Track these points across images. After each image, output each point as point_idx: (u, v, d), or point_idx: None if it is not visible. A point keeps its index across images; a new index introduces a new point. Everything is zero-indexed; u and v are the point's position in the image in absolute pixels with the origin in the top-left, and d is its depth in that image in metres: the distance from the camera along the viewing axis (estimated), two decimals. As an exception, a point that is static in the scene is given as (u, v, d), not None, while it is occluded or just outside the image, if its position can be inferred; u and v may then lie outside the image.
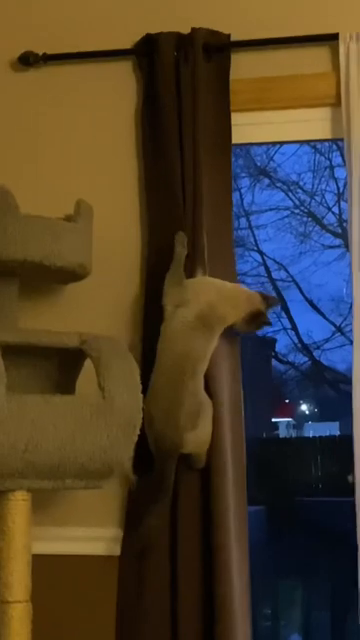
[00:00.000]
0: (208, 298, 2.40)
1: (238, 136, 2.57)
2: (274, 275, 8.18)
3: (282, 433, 9.50)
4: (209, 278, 2.47)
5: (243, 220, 7.79)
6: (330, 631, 4.78)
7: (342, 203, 7.85)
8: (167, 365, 2.36)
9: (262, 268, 8.11)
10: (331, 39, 2.52)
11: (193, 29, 2.55)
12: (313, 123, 2.62)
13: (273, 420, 9.36)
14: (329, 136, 2.63)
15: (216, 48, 2.55)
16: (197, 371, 2.37)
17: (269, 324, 2.48)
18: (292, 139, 2.83)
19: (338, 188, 7.76)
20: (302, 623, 4.90)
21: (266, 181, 7.80)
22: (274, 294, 8.13)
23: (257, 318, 2.43)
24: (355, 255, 2.49)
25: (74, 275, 2.42)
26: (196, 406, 2.37)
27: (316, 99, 2.58)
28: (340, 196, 7.78)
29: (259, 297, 2.45)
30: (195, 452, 2.38)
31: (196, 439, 2.37)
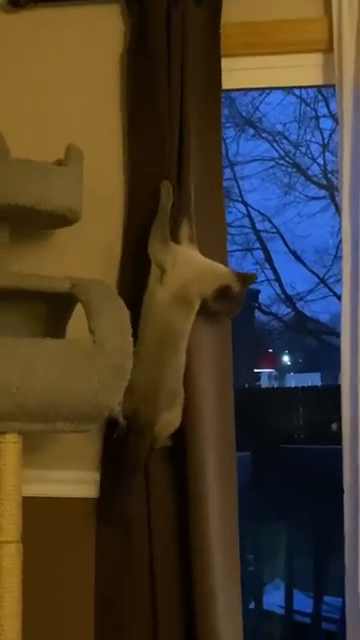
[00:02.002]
0: (184, 276, 2.38)
1: (228, 82, 2.55)
2: (258, 226, 8.17)
3: (264, 384, 9.55)
4: (188, 251, 2.43)
5: (228, 171, 7.75)
6: (313, 575, 4.87)
7: (327, 154, 7.83)
8: (151, 339, 2.36)
9: (246, 219, 8.09)
10: (323, -17, 2.51)
11: (184, -28, 2.53)
12: (304, 69, 2.61)
13: (255, 371, 9.40)
14: (320, 82, 2.61)
15: (207, -9, 2.53)
16: (178, 348, 2.37)
17: (238, 304, 2.41)
18: (283, 85, 2.82)
19: (323, 139, 7.71)
20: (284, 568, 4.98)
21: (251, 131, 7.74)
22: (258, 245, 8.14)
23: (225, 293, 2.38)
24: (345, 202, 2.49)
25: (64, 220, 2.40)
26: (176, 385, 2.38)
27: (308, 44, 2.57)
28: (325, 147, 7.75)
29: (232, 274, 2.41)
30: (159, 434, 2.39)
31: (168, 421, 2.38)
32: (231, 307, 2.42)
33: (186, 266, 2.40)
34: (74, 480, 2.57)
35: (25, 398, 2.12)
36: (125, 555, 2.46)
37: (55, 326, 2.39)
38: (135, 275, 2.48)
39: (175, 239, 2.42)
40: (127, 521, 2.45)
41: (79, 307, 2.28)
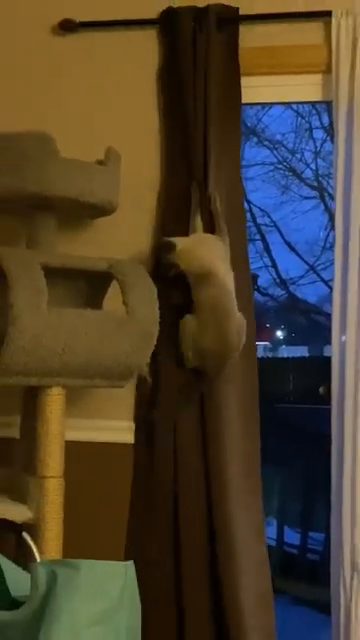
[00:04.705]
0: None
1: (246, 96, 2.55)
2: (259, 220, 8.17)
3: (260, 354, 9.55)
4: None
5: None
6: (300, 514, 4.92)
7: (319, 160, 7.80)
8: (205, 315, 2.40)
9: (249, 214, 8.08)
10: (325, 15, 2.50)
11: (207, 4, 2.52)
12: (307, 87, 2.60)
13: (253, 343, 9.38)
14: (320, 98, 2.61)
15: (227, 20, 2.52)
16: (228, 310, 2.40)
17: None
18: (288, 100, 2.83)
19: (316, 147, 7.68)
20: (277, 507, 5.03)
21: (255, 139, 7.72)
22: (258, 237, 8.15)
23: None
24: (338, 200, 2.48)
25: (103, 210, 2.43)
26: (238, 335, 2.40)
27: (310, 66, 2.56)
28: (317, 154, 7.72)
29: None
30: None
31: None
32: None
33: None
34: (110, 428, 2.59)
35: (69, 358, 2.15)
36: (154, 489, 2.48)
37: (94, 299, 2.42)
38: None
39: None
40: (157, 461, 2.48)
41: (113, 284, 2.32)
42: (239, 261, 2.49)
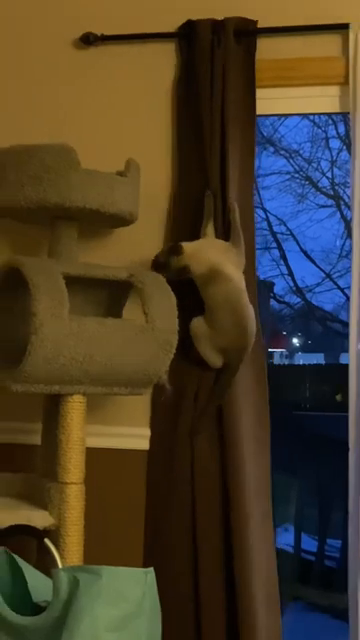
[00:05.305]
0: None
1: (262, 108, 2.56)
2: (275, 229, 8.16)
3: (276, 361, 9.52)
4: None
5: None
6: (318, 521, 4.90)
7: (335, 169, 7.79)
8: (221, 313, 2.40)
9: (265, 223, 8.08)
10: (342, 28, 2.50)
11: (226, 18, 2.53)
12: (325, 99, 2.60)
13: (269, 350, 9.37)
14: (338, 110, 2.60)
15: (245, 33, 2.53)
16: (242, 303, 2.39)
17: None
18: (306, 112, 2.83)
19: (332, 156, 7.66)
20: (295, 514, 5.01)
21: (271, 149, 7.72)
22: (274, 245, 8.15)
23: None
24: (356, 209, 2.47)
25: (124, 221, 2.43)
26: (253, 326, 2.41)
27: (328, 78, 2.56)
28: (333, 163, 7.71)
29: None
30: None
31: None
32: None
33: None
34: (128, 434, 2.60)
35: (90, 366, 2.16)
36: (170, 494, 2.48)
37: (114, 308, 2.43)
38: None
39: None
40: (175, 464, 2.47)
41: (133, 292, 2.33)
42: (247, 272, 2.48)
